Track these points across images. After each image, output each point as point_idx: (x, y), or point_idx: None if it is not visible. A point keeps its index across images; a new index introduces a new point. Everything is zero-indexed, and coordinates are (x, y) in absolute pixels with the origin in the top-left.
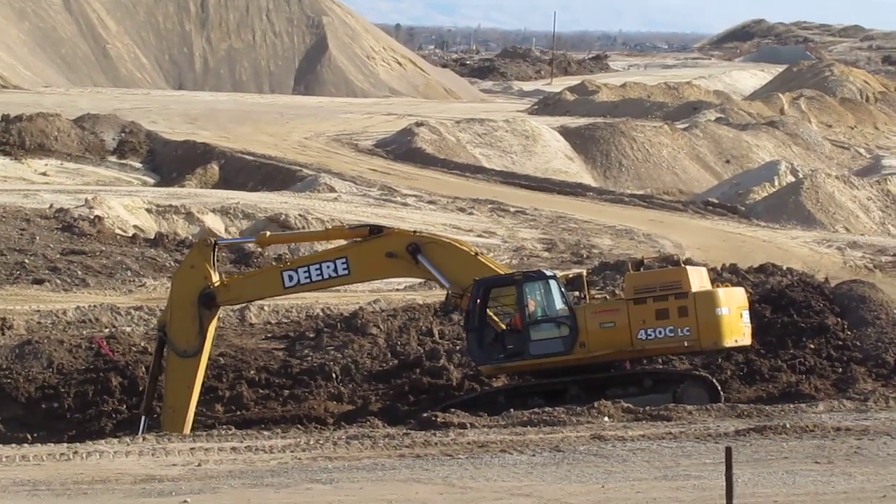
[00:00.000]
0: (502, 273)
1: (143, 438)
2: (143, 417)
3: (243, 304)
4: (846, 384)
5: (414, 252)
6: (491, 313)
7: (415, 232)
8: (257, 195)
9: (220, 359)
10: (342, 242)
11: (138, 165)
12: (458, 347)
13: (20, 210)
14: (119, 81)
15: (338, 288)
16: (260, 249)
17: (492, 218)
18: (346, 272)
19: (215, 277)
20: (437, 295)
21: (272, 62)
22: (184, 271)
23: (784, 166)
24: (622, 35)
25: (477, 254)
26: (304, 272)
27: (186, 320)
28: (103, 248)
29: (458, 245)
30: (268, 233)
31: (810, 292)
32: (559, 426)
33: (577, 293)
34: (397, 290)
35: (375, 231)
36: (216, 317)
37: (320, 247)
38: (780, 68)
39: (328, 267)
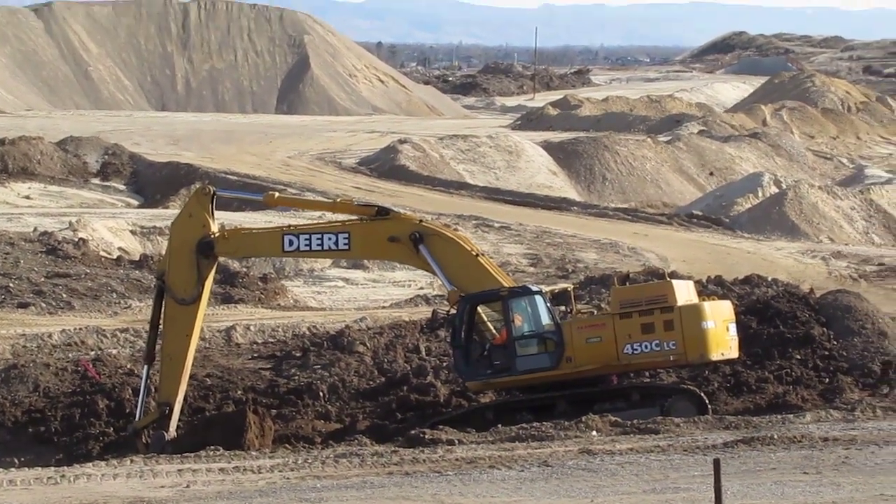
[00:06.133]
0: (496, 281)
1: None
2: (145, 367)
3: (242, 260)
4: (833, 394)
5: (416, 241)
6: (489, 324)
7: (421, 221)
8: (241, 215)
9: (207, 379)
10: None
11: (122, 187)
12: (444, 364)
13: (4, 234)
14: (101, 103)
15: (324, 307)
16: (246, 269)
17: (476, 234)
18: (347, 248)
19: (214, 227)
20: (423, 312)
21: (254, 82)
22: (182, 220)
23: (767, 177)
24: (604, 49)
25: (478, 255)
26: (306, 239)
27: (184, 268)
28: (88, 271)
29: (460, 242)
30: (276, 193)
31: (796, 303)
32: (547, 441)
33: (563, 308)
34: (383, 307)
35: (383, 213)
36: (214, 266)
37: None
38: (761, 80)
39: (330, 239)
